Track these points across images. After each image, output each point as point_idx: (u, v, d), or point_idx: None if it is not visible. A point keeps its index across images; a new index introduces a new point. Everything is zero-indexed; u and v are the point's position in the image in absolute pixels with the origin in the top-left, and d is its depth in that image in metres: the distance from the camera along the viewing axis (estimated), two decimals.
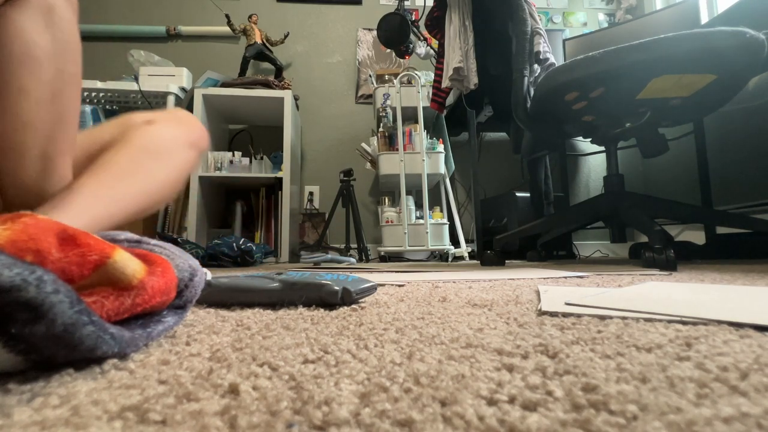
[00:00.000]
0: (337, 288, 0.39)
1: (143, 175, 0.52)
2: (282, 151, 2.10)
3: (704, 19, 1.96)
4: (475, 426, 0.13)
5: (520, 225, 1.66)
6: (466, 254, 1.94)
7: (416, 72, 2.07)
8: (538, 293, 0.48)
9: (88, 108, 2.02)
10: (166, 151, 0.58)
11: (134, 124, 0.61)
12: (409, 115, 2.13)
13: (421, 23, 1.62)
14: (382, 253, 1.92)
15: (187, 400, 0.16)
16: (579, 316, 0.32)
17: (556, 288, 0.51)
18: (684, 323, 0.28)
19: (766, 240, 1.36)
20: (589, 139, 1.26)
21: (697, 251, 1.44)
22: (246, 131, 2.50)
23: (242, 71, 2.28)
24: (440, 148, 2.02)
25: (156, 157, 0.56)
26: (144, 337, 0.23)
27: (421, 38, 1.85)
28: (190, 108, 2.06)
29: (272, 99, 2.13)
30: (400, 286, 0.61)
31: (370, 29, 2.63)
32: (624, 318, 0.31)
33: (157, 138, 0.58)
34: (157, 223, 1.93)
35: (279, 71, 2.32)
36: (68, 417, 0.14)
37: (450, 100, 2.05)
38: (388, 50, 2.37)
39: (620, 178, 1.16)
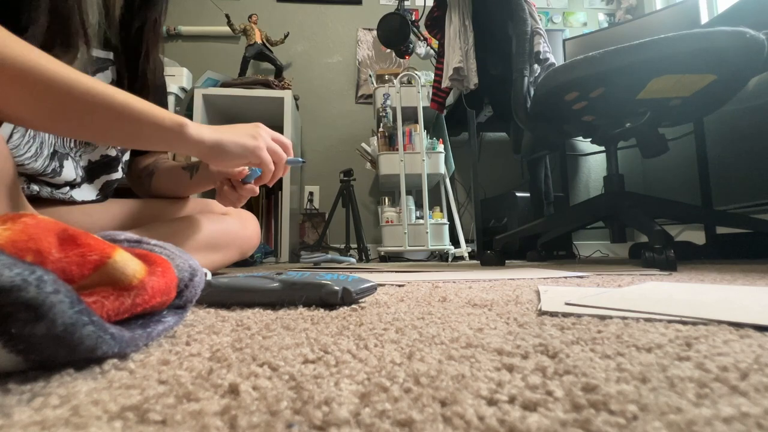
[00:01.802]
0: (337, 288, 0.39)
1: (199, 256, 0.71)
2: None
3: (704, 19, 1.97)
4: (475, 426, 0.13)
5: (520, 225, 1.66)
6: (466, 254, 1.94)
7: (416, 72, 2.08)
8: (538, 293, 0.48)
9: None
10: (224, 246, 0.79)
11: (213, 210, 0.84)
12: (409, 115, 2.13)
13: (421, 23, 1.62)
14: (382, 253, 1.92)
15: (187, 400, 0.16)
16: (579, 316, 0.32)
17: (556, 288, 0.51)
18: (684, 323, 0.28)
19: (766, 240, 1.36)
20: (589, 139, 1.26)
21: (697, 251, 1.44)
22: None
23: (242, 71, 2.28)
24: (440, 148, 2.02)
25: (212, 249, 0.77)
26: (144, 337, 0.23)
27: (421, 38, 1.85)
28: (190, 108, 2.06)
29: (272, 99, 2.13)
30: (400, 286, 0.61)
31: (370, 29, 2.63)
32: (624, 318, 0.31)
33: (221, 233, 0.78)
34: None
35: (279, 71, 2.32)
36: (68, 417, 0.14)
37: (450, 100, 2.05)
38: (388, 50, 2.37)
39: (620, 178, 1.16)
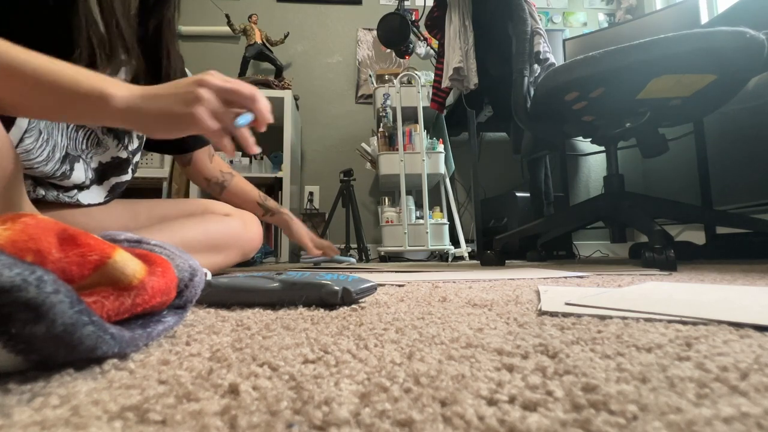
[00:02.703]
0: (337, 288, 0.39)
1: (200, 256, 0.71)
2: (282, 151, 2.10)
3: (704, 19, 1.96)
4: (475, 426, 0.13)
5: (520, 225, 1.66)
6: (466, 254, 1.94)
7: (416, 72, 2.07)
8: (538, 293, 0.48)
9: None
10: (225, 247, 0.79)
11: (216, 211, 0.84)
12: (409, 115, 2.13)
13: (421, 23, 1.62)
14: (382, 253, 1.92)
15: (187, 400, 0.16)
16: (579, 316, 0.32)
17: (556, 288, 0.51)
18: (684, 323, 0.28)
19: (766, 240, 1.36)
20: (589, 139, 1.26)
21: (697, 251, 1.44)
22: None
23: (242, 71, 2.28)
24: (440, 148, 2.02)
25: (214, 250, 0.77)
26: (144, 337, 0.23)
27: (421, 38, 1.85)
28: None
29: (272, 99, 2.13)
30: (400, 286, 0.61)
31: (370, 29, 2.63)
32: (624, 318, 0.31)
33: (223, 234, 0.78)
34: None
35: (279, 71, 2.32)
36: (68, 417, 0.14)
37: (450, 100, 2.05)
38: (388, 50, 2.37)
39: (620, 178, 1.16)
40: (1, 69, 0.38)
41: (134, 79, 0.69)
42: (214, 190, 0.86)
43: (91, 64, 0.53)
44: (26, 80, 0.40)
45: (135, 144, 0.75)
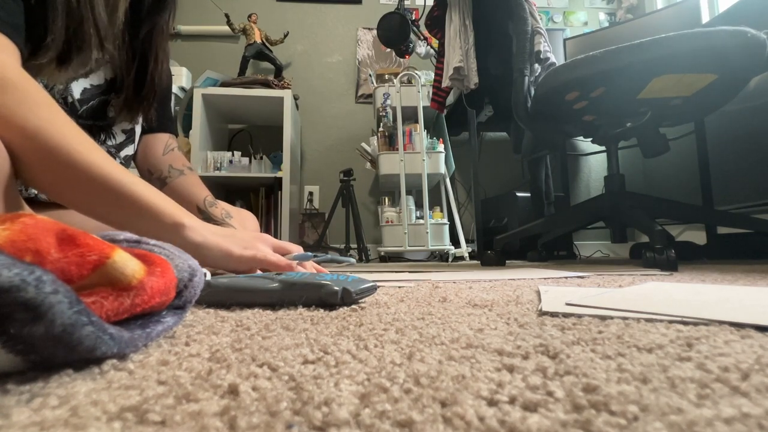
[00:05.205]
0: (337, 288, 0.39)
1: None
2: (282, 151, 2.10)
3: (705, 18, 1.96)
4: (475, 427, 0.13)
5: (520, 225, 1.66)
6: (466, 254, 1.94)
7: (416, 71, 2.07)
8: (538, 293, 0.48)
9: None
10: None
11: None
12: (409, 115, 2.13)
13: (421, 22, 1.62)
14: (382, 253, 1.92)
15: (187, 401, 0.16)
16: (580, 316, 0.32)
17: (556, 288, 0.51)
18: (685, 323, 0.28)
19: (767, 240, 1.36)
20: (590, 139, 1.26)
21: (698, 251, 1.44)
22: (246, 131, 2.51)
23: (242, 71, 2.28)
24: (440, 147, 2.02)
25: None
26: (143, 337, 0.22)
27: (421, 37, 1.85)
28: (189, 108, 2.06)
29: (272, 99, 2.13)
30: (400, 286, 0.61)
31: (370, 28, 2.63)
32: (625, 318, 0.31)
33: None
34: None
35: (279, 71, 2.32)
36: (67, 417, 0.14)
37: (450, 99, 2.05)
38: (388, 50, 2.37)
39: (621, 178, 1.16)
40: (89, 181, 0.45)
41: (114, 79, 0.68)
42: (153, 185, 0.79)
43: (62, 55, 0.54)
44: (112, 197, 0.46)
45: (118, 139, 0.74)
